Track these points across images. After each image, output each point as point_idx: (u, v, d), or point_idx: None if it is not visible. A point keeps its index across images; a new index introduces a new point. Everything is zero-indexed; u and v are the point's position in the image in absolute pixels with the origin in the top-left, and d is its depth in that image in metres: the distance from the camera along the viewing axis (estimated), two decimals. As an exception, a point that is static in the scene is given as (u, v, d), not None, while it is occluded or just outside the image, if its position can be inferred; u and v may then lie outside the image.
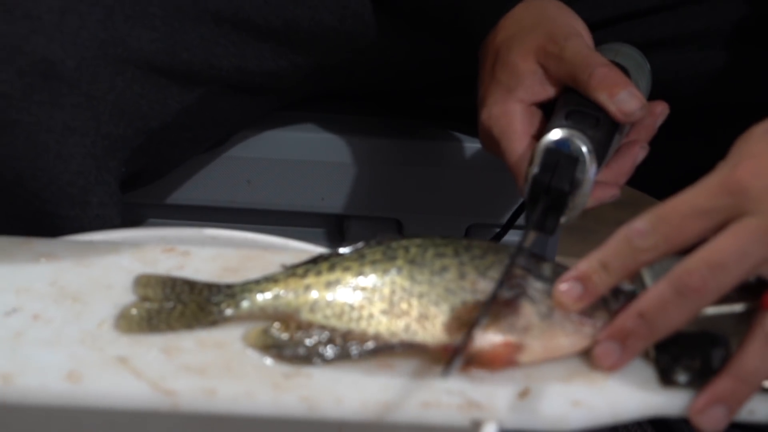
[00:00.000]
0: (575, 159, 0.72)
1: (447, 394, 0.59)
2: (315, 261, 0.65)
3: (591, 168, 0.73)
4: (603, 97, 0.75)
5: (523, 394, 0.60)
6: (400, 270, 0.63)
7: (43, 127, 0.79)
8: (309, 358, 0.61)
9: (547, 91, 0.79)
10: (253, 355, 0.61)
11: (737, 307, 0.61)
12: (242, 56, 0.89)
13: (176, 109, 0.87)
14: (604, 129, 0.76)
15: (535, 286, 0.63)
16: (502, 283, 0.62)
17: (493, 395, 0.59)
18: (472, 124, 1.01)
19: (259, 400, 0.59)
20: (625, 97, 0.75)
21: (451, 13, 0.87)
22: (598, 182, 0.76)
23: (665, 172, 0.97)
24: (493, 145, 0.80)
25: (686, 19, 0.92)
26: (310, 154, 1.01)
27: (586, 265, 0.61)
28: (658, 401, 0.60)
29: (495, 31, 0.82)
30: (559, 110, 0.77)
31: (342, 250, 0.65)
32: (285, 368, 0.60)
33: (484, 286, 0.62)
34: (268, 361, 0.61)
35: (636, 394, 0.60)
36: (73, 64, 0.80)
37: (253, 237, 0.74)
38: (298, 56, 0.92)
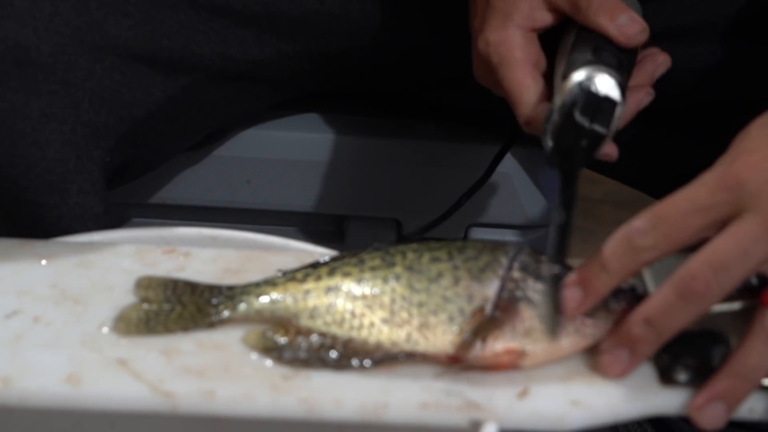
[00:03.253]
0: (613, 102, 0.71)
1: (446, 394, 0.59)
2: (314, 266, 0.65)
3: (623, 107, 0.72)
4: (604, 21, 0.74)
5: (523, 394, 0.60)
6: (398, 277, 0.63)
7: (19, 114, 0.79)
8: (309, 362, 0.61)
9: (546, 18, 0.77)
10: (252, 356, 0.61)
11: (737, 305, 0.61)
12: (225, 43, 0.89)
13: (161, 99, 0.86)
14: (627, 67, 0.75)
15: (535, 287, 0.63)
16: (501, 292, 0.62)
17: (492, 396, 0.59)
18: (471, 123, 1.02)
19: (258, 401, 0.59)
20: (625, 21, 0.74)
21: None
22: None
23: (664, 172, 0.97)
24: (489, 75, 0.78)
25: (677, 12, 0.91)
26: (310, 154, 1.01)
27: (586, 268, 0.61)
28: (658, 400, 0.60)
29: None
30: (583, 43, 0.75)
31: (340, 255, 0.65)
32: (284, 370, 0.60)
33: (478, 290, 0.62)
34: (268, 362, 0.61)
35: (636, 393, 0.60)
36: (48, 50, 0.79)
37: (254, 237, 0.74)
38: (283, 43, 0.91)
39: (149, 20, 0.85)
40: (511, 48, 0.76)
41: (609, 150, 0.76)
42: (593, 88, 0.71)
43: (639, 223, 0.60)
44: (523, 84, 0.74)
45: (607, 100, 0.71)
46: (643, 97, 0.78)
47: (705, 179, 0.59)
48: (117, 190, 0.96)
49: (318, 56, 0.94)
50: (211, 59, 0.88)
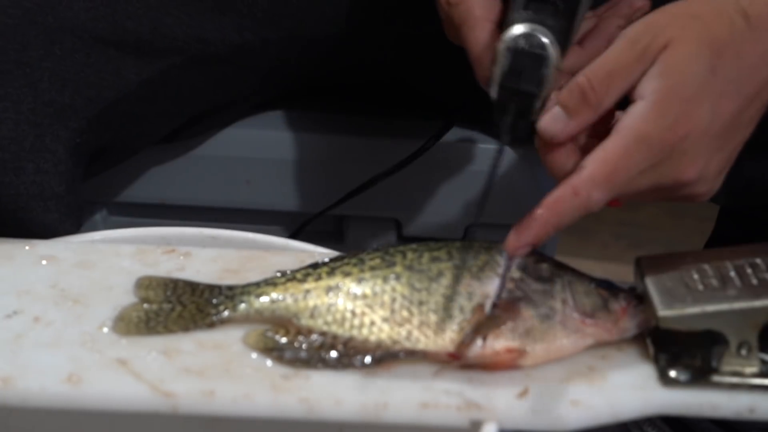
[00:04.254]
0: (539, 57, 0.69)
1: (446, 394, 0.59)
2: (314, 266, 0.65)
3: (555, 61, 0.69)
4: None
5: (523, 394, 0.60)
6: (399, 277, 0.63)
7: None
8: (310, 362, 0.61)
9: None
10: (252, 356, 0.61)
11: (737, 305, 0.61)
12: (200, 27, 0.88)
13: (134, 81, 0.86)
14: (565, 15, 0.72)
15: (534, 287, 0.63)
16: (501, 291, 0.62)
17: (492, 396, 0.59)
18: (470, 122, 1.01)
19: (258, 401, 0.59)
20: None
21: None
22: (569, 68, 0.72)
23: None
24: (453, 35, 0.76)
25: None
26: (310, 154, 1.01)
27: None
28: (658, 400, 0.61)
29: None
30: (516, 1, 0.72)
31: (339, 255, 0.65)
32: (284, 370, 0.60)
33: (478, 288, 0.62)
34: (268, 362, 0.61)
35: (636, 393, 0.61)
36: None
37: (253, 237, 0.74)
38: (264, 29, 0.91)
39: (110, 2, 0.85)
40: (471, 6, 0.74)
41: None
42: (521, 46, 0.69)
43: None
44: (481, 43, 0.72)
45: (535, 58, 0.69)
46: (614, 31, 0.76)
47: None
48: (116, 190, 0.96)
49: (303, 43, 0.93)
50: (186, 42, 0.88)
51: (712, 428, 1.01)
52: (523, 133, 0.69)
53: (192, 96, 0.93)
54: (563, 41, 0.71)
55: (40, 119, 0.81)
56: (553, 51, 0.69)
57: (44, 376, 0.60)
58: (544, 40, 0.69)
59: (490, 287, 0.62)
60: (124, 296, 0.65)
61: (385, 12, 0.94)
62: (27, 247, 0.70)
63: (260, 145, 1.01)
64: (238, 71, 0.94)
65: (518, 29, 0.69)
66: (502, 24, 0.73)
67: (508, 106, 0.68)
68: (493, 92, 0.69)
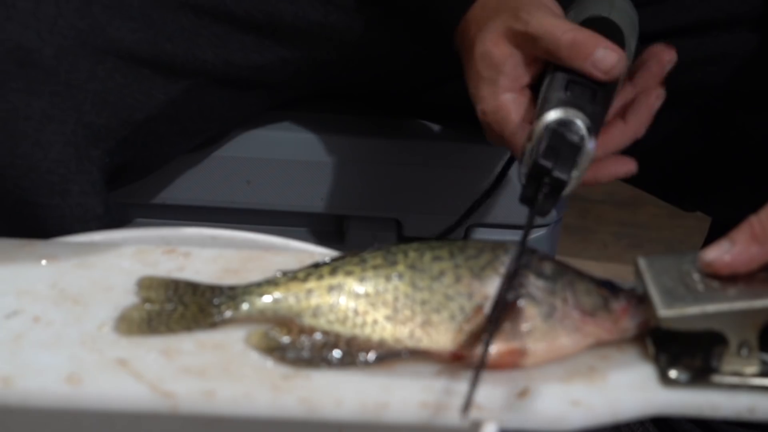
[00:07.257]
0: (576, 146, 0.70)
1: (446, 394, 0.59)
2: (316, 266, 0.65)
3: (590, 151, 0.71)
4: (579, 63, 0.73)
5: (523, 393, 0.60)
6: (401, 276, 0.63)
7: (21, 114, 0.79)
8: (313, 361, 0.61)
9: (531, 71, 0.77)
10: (252, 356, 0.61)
11: (737, 305, 0.61)
12: (226, 48, 0.89)
13: (162, 101, 0.87)
14: (602, 102, 0.74)
15: (537, 285, 0.63)
16: (504, 291, 0.62)
17: (492, 395, 0.59)
18: (470, 122, 1.02)
19: (259, 401, 0.59)
20: (600, 55, 0.73)
21: (418, 3, 0.85)
22: (614, 156, 0.75)
23: (663, 169, 0.97)
24: (497, 140, 0.79)
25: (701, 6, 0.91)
26: (310, 154, 1.01)
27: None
28: (658, 400, 0.61)
29: (468, 22, 0.80)
30: (556, 81, 0.74)
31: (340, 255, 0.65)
32: (284, 370, 0.60)
33: (479, 288, 0.63)
34: (268, 362, 0.61)
35: (636, 393, 0.61)
36: (51, 52, 0.80)
37: (254, 237, 0.74)
38: (285, 50, 0.92)
39: (152, 24, 0.85)
40: (507, 114, 0.76)
41: (628, 166, 0.76)
42: (560, 130, 0.70)
43: None
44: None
45: (572, 147, 0.70)
46: (654, 101, 0.77)
47: None
48: (118, 190, 0.97)
49: (320, 63, 0.95)
50: (213, 64, 0.89)
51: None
52: (544, 213, 0.69)
53: (210, 114, 0.94)
54: (597, 127, 0.72)
55: (78, 140, 0.82)
56: (589, 142, 0.70)
57: (44, 376, 0.60)
58: (582, 129, 0.70)
59: (490, 287, 0.63)
60: (124, 296, 0.65)
61: (400, 35, 0.94)
62: (26, 247, 0.70)
63: (260, 145, 1.01)
64: (253, 89, 0.95)
65: (558, 113, 0.71)
66: (539, 103, 0.74)
67: (538, 184, 0.68)
68: (524, 169, 0.69)
